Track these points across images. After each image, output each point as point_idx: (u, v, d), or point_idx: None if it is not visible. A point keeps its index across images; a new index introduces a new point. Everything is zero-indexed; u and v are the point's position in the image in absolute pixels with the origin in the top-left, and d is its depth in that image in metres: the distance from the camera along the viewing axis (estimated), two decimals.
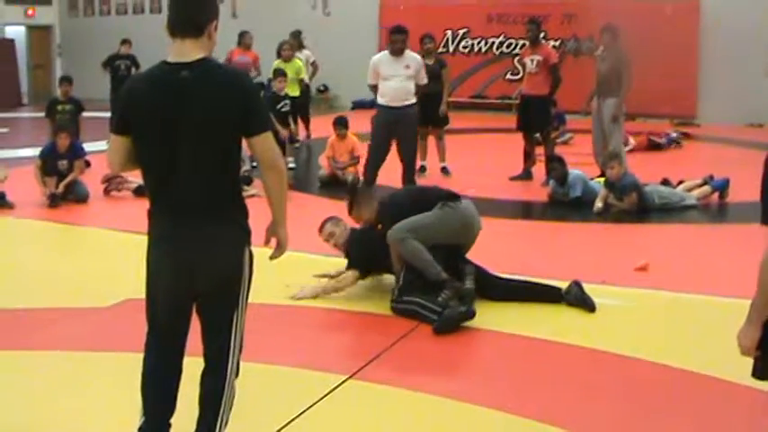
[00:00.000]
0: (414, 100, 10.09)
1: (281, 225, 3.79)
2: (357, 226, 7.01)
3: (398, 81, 9.97)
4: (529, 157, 12.12)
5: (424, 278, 6.28)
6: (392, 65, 10.02)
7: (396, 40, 10.09)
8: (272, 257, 3.85)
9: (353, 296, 6.57)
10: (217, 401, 3.74)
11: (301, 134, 15.27)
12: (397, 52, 10.03)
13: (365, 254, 6.70)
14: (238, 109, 3.53)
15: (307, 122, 15.66)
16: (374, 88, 10.22)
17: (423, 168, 11.63)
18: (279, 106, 12.12)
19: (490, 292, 6.46)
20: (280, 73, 12.76)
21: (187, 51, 3.56)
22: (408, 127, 10.10)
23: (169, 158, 3.53)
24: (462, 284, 6.26)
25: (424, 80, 10.26)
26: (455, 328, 5.86)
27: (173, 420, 3.85)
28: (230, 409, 3.80)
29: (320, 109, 17.69)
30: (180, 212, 3.58)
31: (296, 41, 15.62)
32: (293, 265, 7.08)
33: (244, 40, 15.50)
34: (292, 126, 12.86)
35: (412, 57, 10.18)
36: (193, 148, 3.51)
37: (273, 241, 3.84)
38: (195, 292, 3.68)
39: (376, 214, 6.80)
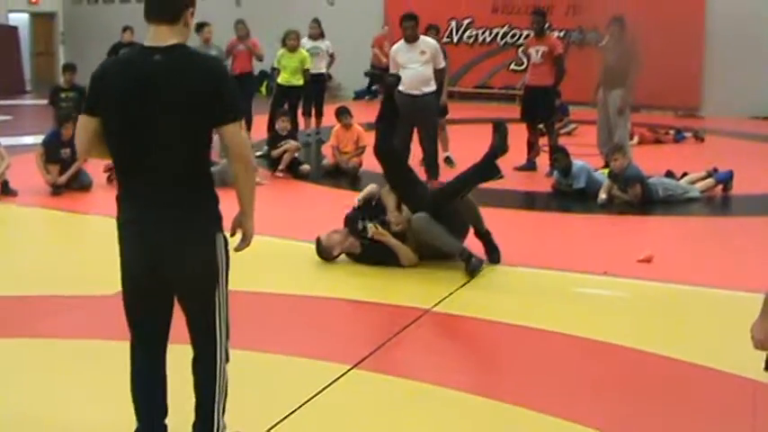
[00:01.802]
0: (433, 87, 10.27)
1: (248, 217, 3.74)
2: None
3: (414, 68, 10.13)
4: (533, 148, 12.12)
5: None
6: (408, 53, 10.19)
7: (405, 27, 10.20)
8: (236, 249, 3.78)
9: (357, 286, 6.57)
10: (211, 388, 3.73)
11: (311, 124, 14.89)
12: (410, 39, 10.17)
13: None
14: (209, 96, 3.48)
15: (319, 115, 14.90)
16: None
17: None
18: (279, 145, 11.62)
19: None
20: (284, 113, 12.40)
21: (162, 36, 3.53)
22: (427, 114, 10.30)
23: (138, 143, 3.50)
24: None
25: (442, 64, 10.42)
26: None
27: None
28: (225, 394, 3.79)
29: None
30: (148, 199, 3.55)
31: (319, 29, 15.15)
32: (295, 255, 7.13)
33: (237, 31, 14.83)
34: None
35: (426, 42, 10.32)
36: (163, 134, 3.47)
37: (239, 233, 3.79)
38: (169, 283, 3.66)
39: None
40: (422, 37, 10.38)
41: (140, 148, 3.51)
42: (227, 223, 3.73)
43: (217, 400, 3.74)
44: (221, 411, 3.77)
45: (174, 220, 3.55)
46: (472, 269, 6.77)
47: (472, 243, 7.17)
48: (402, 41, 10.32)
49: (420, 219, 6.96)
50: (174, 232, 3.56)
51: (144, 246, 3.59)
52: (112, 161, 3.67)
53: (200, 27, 13.92)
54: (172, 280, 3.66)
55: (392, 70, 10.42)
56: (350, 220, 7.25)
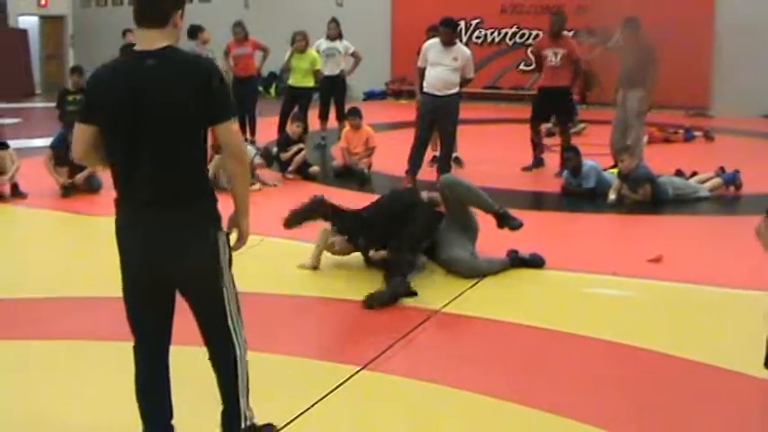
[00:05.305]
0: (456, 90, 10.44)
1: (243, 216, 3.78)
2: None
3: (442, 70, 10.36)
4: (537, 147, 12.11)
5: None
6: (440, 53, 10.40)
7: (442, 32, 10.46)
8: (233, 249, 3.81)
9: (367, 287, 6.57)
10: (233, 381, 3.80)
11: (325, 126, 14.47)
12: (446, 43, 10.39)
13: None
14: (202, 96, 3.50)
15: (340, 117, 14.11)
16: (421, 72, 10.59)
17: (435, 158, 11.60)
18: (289, 148, 11.56)
19: None
20: (297, 117, 12.14)
21: (152, 40, 3.55)
22: (448, 114, 10.51)
23: (134, 147, 3.52)
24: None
25: (471, 74, 10.66)
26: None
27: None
28: (248, 386, 3.86)
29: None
30: (147, 200, 3.57)
31: (338, 29, 14.50)
32: (304, 256, 7.11)
33: (235, 34, 14.54)
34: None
35: (462, 50, 10.58)
36: (159, 136, 3.50)
37: (234, 232, 3.81)
38: (171, 284, 3.70)
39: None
40: (459, 44, 10.63)
41: (137, 151, 3.52)
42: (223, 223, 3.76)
43: (240, 391, 3.82)
44: (247, 401, 3.85)
45: (174, 222, 3.58)
46: (514, 226, 7.16)
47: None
48: (438, 40, 10.51)
49: (450, 175, 7.33)
50: (174, 234, 3.58)
51: (144, 248, 3.61)
52: (110, 166, 3.68)
53: (196, 30, 13.84)
54: (176, 281, 3.69)
55: (419, 64, 10.64)
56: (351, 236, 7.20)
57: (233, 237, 3.80)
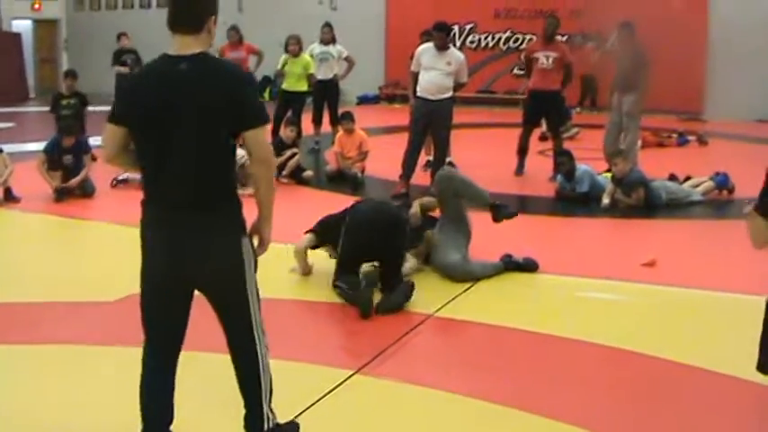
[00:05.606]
0: (450, 94, 10.46)
1: (267, 223, 3.80)
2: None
3: (436, 74, 10.36)
4: (524, 152, 12.13)
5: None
6: (434, 57, 10.40)
7: (435, 37, 10.47)
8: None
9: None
10: (256, 384, 3.82)
11: (320, 131, 14.48)
12: (440, 47, 10.40)
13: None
14: (234, 101, 3.53)
15: (334, 122, 14.00)
16: (414, 77, 10.60)
17: (429, 163, 11.60)
18: (283, 153, 11.47)
19: None
20: (290, 122, 12.19)
21: (187, 46, 3.59)
22: (441, 118, 10.52)
23: (164, 149, 3.54)
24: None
25: (465, 78, 10.70)
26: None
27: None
28: (271, 390, 3.88)
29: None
30: (174, 202, 3.59)
31: (331, 33, 14.49)
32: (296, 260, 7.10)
33: (229, 37, 14.61)
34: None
35: (456, 55, 10.58)
36: (188, 139, 3.52)
37: (256, 239, 3.82)
38: (191, 286, 3.71)
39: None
40: (452, 48, 10.64)
41: (167, 154, 3.55)
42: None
43: (264, 395, 3.85)
44: (269, 404, 3.88)
45: (201, 225, 3.59)
46: (509, 215, 7.27)
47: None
48: (431, 45, 10.51)
49: (445, 169, 7.44)
50: (200, 236, 3.59)
51: (169, 249, 3.62)
52: (140, 167, 3.71)
53: None
54: (199, 284, 3.71)
55: (413, 69, 10.64)
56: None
57: (254, 243, 3.81)
